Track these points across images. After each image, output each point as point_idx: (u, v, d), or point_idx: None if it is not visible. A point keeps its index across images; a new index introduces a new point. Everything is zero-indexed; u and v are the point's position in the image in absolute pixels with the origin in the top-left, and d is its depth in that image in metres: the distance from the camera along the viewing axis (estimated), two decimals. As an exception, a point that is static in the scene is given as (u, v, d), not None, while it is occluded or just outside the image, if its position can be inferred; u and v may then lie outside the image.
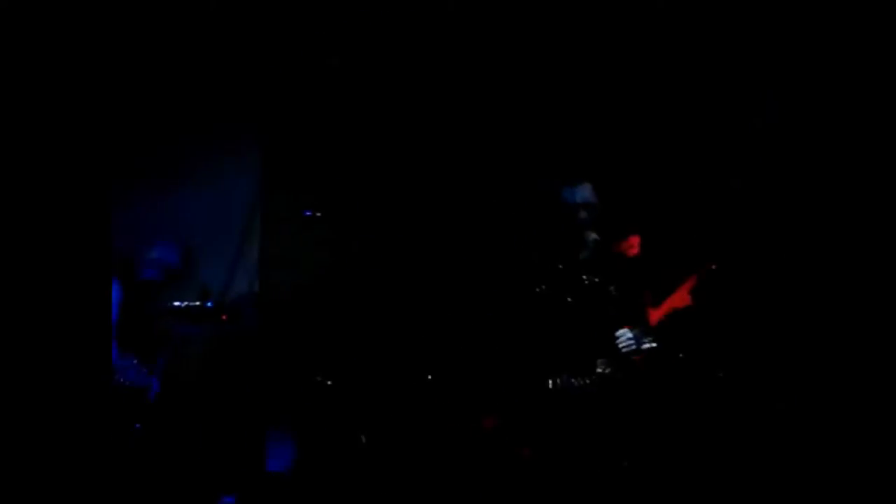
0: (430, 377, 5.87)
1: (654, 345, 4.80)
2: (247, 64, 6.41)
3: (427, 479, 5.45)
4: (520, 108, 6.37)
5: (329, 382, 6.06)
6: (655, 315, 4.96)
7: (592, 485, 4.69)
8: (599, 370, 4.82)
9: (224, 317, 5.84)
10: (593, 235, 4.98)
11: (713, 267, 4.91)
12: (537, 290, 4.94)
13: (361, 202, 6.86)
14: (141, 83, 6.23)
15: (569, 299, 4.95)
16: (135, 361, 5.04)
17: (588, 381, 4.80)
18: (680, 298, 4.90)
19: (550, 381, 4.79)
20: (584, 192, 5.05)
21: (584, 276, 4.96)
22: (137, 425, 4.98)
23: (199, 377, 5.58)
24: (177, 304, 5.48)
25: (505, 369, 4.98)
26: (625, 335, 4.83)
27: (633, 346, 4.81)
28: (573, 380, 4.82)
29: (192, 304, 5.68)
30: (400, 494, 5.57)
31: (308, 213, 6.54)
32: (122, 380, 5.00)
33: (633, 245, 5.08)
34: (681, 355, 4.83)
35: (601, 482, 4.69)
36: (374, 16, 5.92)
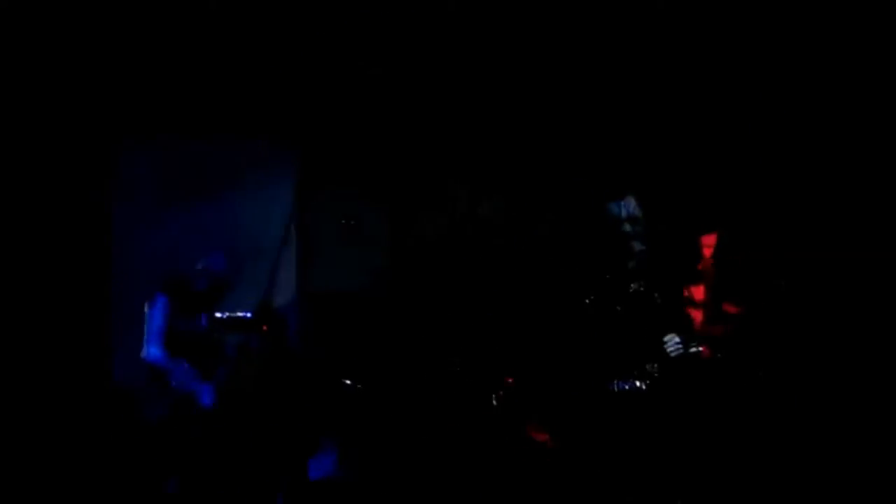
0: (481, 386, 5.89)
1: (700, 349, 4.83)
2: (281, 79, 6.44)
3: (473, 486, 5.45)
4: (565, 121, 6.39)
5: (361, 386, 6.09)
6: (698, 317, 4.98)
7: (639, 484, 4.74)
8: (649, 373, 4.90)
9: (265, 327, 5.84)
10: (639, 246, 5.07)
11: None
12: (587, 300, 5.02)
13: (398, 210, 6.89)
14: (181, 97, 6.29)
15: (618, 307, 5.04)
16: (185, 366, 5.06)
17: (639, 384, 4.89)
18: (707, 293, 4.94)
19: (603, 385, 4.88)
20: (630, 206, 5.15)
21: (632, 285, 5.04)
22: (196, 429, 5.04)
23: (241, 385, 5.58)
24: (219, 315, 5.49)
25: (557, 377, 5.05)
26: (672, 340, 4.88)
27: (681, 350, 4.86)
28: (625, 384, 4.90)
29: (232, 314, 5.69)
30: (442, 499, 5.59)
31: (344, 222, 6.57)
32: (172, 383, 5.04)
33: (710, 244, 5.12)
34: (719, 355, 4.85)
35: (647, 483, 4.74)
36: (413, 25, 5.92)
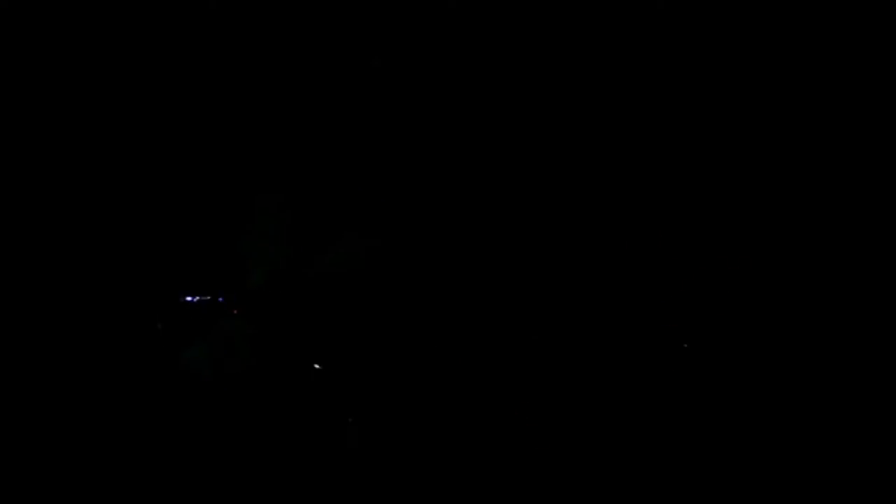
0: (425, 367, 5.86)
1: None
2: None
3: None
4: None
5: (320, 367, 6.02)
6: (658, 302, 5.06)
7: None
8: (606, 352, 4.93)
9: (235, 311, 5.77)
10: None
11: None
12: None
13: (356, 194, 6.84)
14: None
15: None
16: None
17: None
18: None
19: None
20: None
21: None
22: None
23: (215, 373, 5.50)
24: (189, 298, 5.40)
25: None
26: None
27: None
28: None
29: (203, 298, 5.61)
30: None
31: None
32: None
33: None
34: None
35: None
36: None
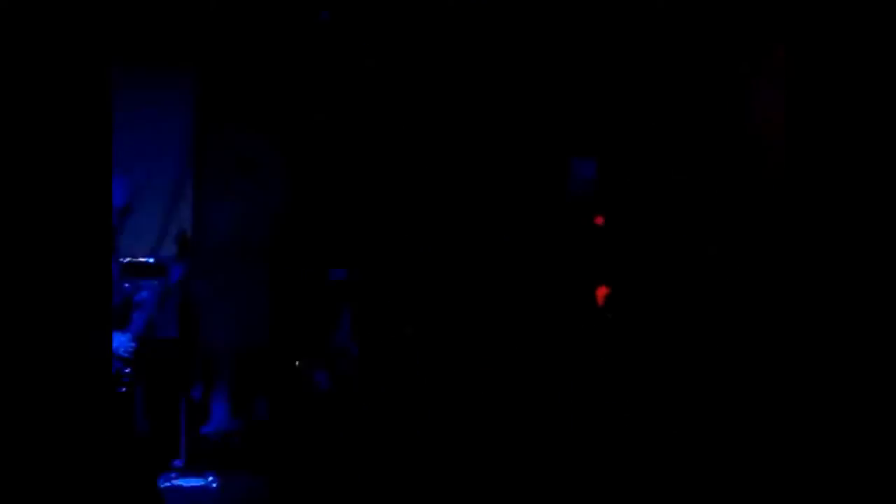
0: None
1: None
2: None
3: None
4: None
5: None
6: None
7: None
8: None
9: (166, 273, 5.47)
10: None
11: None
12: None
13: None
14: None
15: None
16: None
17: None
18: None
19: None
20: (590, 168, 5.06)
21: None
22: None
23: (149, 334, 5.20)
24: (123, 259, 5.07)
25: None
26: None
27: None
28: None
29: (134, 260, 5.28)
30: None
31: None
32: None
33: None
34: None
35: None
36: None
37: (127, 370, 4.67)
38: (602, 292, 4.98)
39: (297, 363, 6.05)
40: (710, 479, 4.56)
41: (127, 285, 4.99)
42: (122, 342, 4.72)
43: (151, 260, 5.45)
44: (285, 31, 6.24)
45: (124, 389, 4.64)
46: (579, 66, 5.96)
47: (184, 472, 5.15)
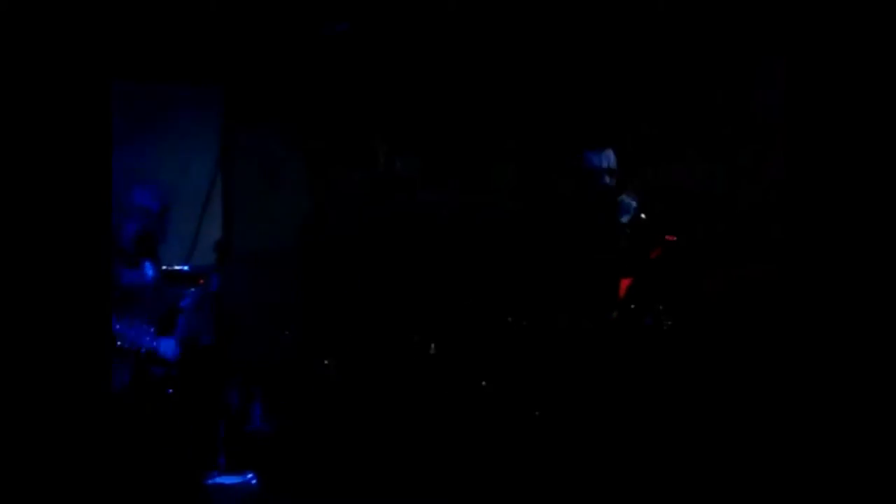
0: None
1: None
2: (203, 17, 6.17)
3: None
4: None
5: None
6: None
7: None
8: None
9: (201, 280, 5.65)
10: (627, 199, 5.09)
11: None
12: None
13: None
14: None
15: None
16: (137, 323, 4.79)
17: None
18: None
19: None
20: (610, 158, 5.13)
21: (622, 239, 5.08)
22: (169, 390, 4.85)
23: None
24: (164, 268, 5.26)
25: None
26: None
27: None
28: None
29: (170, 267, 5.48)
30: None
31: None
32: (125, 345, 4.77)
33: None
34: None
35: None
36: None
37: (173, 373, 4.86)
38: (624, 283, 5.06)
39: (325, 363, 6.25)
40: (720, 478, 4.63)
41: (170, 292, 5.18)
42: (169, 347, 4.88)
43: (187, 268, 5.66)
44: (305, 44, 6.44)
45: (171, 391, 4.83)
46: (580, 70, 6.13)
47: (225, 471, 5.33)
